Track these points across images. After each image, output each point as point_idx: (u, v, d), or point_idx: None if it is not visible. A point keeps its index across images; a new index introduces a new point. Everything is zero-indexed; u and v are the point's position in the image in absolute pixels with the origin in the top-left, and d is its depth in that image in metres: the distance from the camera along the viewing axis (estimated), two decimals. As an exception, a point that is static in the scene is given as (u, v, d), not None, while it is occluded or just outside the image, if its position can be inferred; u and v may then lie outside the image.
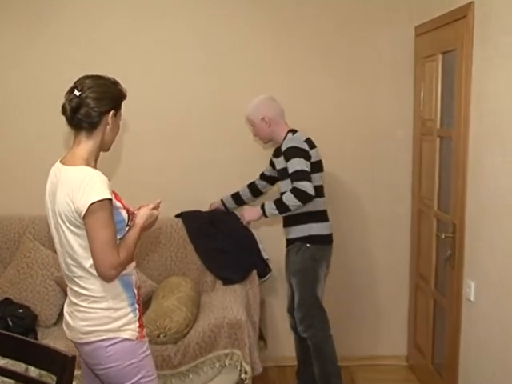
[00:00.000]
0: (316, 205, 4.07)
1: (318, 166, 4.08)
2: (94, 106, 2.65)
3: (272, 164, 4.39)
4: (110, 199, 2.59)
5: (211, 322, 3.97)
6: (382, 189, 4.85)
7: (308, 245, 4.11)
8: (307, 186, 3.86)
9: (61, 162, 2.74)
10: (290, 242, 4.23)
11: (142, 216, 2.83)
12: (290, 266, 4.26)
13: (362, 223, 4.89)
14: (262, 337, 4.59)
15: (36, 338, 4.08)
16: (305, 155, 3.96)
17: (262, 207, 4.05)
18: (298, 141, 4.01)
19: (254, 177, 4.54)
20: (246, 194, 4.56)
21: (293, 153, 3.96)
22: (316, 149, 4.09)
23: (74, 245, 2.66)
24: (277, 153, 4.21)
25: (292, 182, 3.92)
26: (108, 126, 2.72)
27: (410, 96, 4.71)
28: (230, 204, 4.59)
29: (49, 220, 2.79)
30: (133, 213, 2.82)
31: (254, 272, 4.53)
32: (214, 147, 4.76)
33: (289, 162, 3.96)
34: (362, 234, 4.91)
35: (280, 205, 3.95)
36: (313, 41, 4.69)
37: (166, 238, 4.59)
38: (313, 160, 4.02)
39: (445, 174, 4.19)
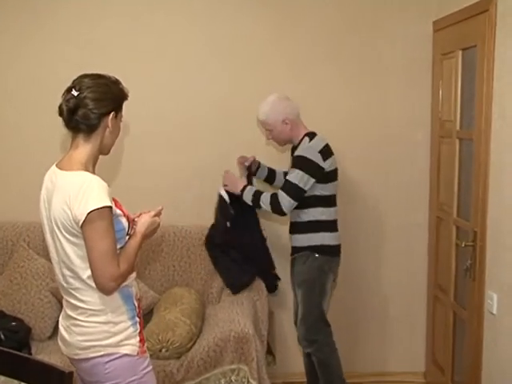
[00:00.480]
0: (328, 214, 4.08)
1: (332, 175, 4.08)
2: (92, 108, 2.62)
3: None
4: (110, 207, 2.56)
5: (216, 335, 3.95)
6: (398, 195, 4.82)
7: (317, 255, 4.09)
8: (286, 203, 3.95)
9: (57, 166, 2.71)
10: (296, 250, 4.20)
11: (143, 224, 2.80)
12: (295, 276, 4.24)
13: (376, 231, 4.86)
14: (270, 351, 4.56)
15: (30, 353, 4.05)
16: (312, 171, 3.94)
17: (243, 189, 4.12)
18: (312, 151, 3.97)
19: (261, 182, 4.51)
20: (276, 179, 4.51)
21: (300, 163, 3.96)
22: (332, 157, 4.05)
23: (71, 254, 2.63)
24: (293, 152, 4.17)
25: (280, 188, 3.99)
26: (108, 129, 2.69)
27: (427, 96, 4.69)
28: (262, 172, 4.49)
29: (43, 227, 2.76)
30: (133, 220, 2.79)
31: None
32: (219, 150, 4.75)
33: (291, 170, 3.99)
34: (377, 243, 4.88)
35: (256, 199, 4.06)
36: (322, 38, 4.68)
37: (168, 246, 4.58)
38: (327, 170, 4.01)
39: (465, 178, 4.16)
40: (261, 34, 4.67)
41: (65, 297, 2.77)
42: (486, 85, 3.66)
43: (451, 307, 4.37)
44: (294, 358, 4.84)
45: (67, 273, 2.68)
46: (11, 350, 2.63)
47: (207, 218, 4.61)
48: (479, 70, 3.75)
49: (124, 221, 2.70)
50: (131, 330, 2.74)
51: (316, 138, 4.04)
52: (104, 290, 2.62)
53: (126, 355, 2.71)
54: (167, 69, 4.69)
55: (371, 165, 4.77)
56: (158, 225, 2.90)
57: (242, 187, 4.13)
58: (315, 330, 4.13)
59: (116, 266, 2.57)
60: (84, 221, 2.52)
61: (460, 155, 4.22)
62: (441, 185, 4.56)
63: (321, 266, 4.09)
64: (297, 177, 3.92)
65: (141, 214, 2.87)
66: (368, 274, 4.90)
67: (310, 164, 3.94)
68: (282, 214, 4.00)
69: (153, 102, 4.67)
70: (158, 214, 2.89)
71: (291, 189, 3.94)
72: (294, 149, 4.18)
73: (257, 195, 4.05)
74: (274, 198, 3.96)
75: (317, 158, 3.95)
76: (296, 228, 4.18)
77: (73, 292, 2.70)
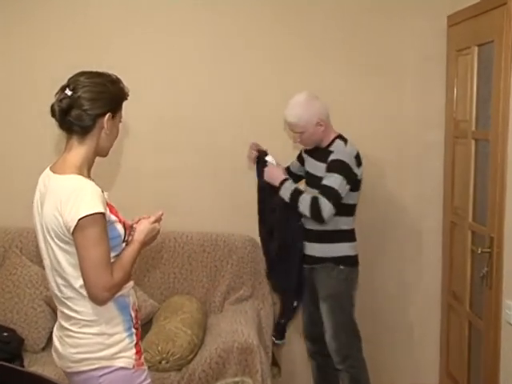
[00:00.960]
0: (349, 223, 4.05)
1: (359, 185, 4.03)
2: (87, 108, 2.59)
3: (301, 161, 4.30)
4: (103, 213, 2.53)
5: (219, 346, 3.95)
6: (410, 198, 4.81)
7: (342, 266, 4.02)
8: (327, 210, 3.82)
9: (51, 169, 2.70)
10: (314, 260, 4.09)
11: (142, 231, 2.78)
12: (318, 289, 4.14)
13: (387, 236, 4.85)
14: (275, 363, 4.55)
15: (22, 365, 4.05)
16: (349, 177, 3.88)
17: (283, 182, 3.98)
18: (349, 156, 3.91)
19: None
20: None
21: (339, 168, 3.87)
22: (362, 166, 4.01)
23: (63, 262, 2.61)
24: (319, 155, 4.05)
25: (319, 193, 3.86)
26: (104, 130, 2.66)
27: (441, 94, 4.68)
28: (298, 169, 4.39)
29: (36, 233, 2.75)
30: (130, 226, 2.76)
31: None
32: (221, 153, 4.76)
33: (329, 174, 3.87)
34: (388, 249, 4.86)
35: (295, 197, 3.91)
36: (331, 34, 4.67)
37: (168, 252, 4.58)
38: (359, 177, 3.98)
39: (481, 181, 4.14)
40: (269, 30, 4.68)
41: (58, 306, 2.75)
42: (503, 82, 3.64)
43: (466, 317, 4.35)
44: (300, 370, 4.84)
45: (60, 281, 2.66)
46: (2, 362, 2.62)
47: (209, 223, 4.62)
48: (496, 66, 3.73)
49: (120, 227, 2.67)
50: (127, 341, 2.72)
51: (349, 143, 3.99)
52: (97, 300, 2.60)
53: (122, 368, 2.69)
54: (170, 65, 4.71)
55: (381, 167, 4.76)
56: (158, 231, 2.87)
57: (281, 179, 3.99)
58: (349, 345, 4.09)
59: (109, 276, 2.55)
60: (75, 228, 2.50)
61: (476, 157, 4.20)
62: (455, 188, 4.54)
63: (347, 277, 4.04)
64: (337, 182, 3.83)
65: (140, 220, 2.84)
66: (377, 282, 4.88)
67: (348, 170, 3.87)
68: (321, 221, 3.85)
69: (153, 101, 4.68)
70: (157, 220, 2.86)
71: (332, 194, 3.82)
72: (319, 152, 4.05)
73: (296, 193, 3.91)
74: (315, 203, 3.81)
75: (353, 164, 3.90)
76: (315, 236, 4.05)
77: (66, 301, 2.68)
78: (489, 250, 3.83)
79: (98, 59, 4.40)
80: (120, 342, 2.69)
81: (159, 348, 3.82)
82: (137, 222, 2.83)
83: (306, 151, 4.21)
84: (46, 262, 2.72)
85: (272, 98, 4.62)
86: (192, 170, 4.77)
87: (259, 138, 4.54)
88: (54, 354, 2.83)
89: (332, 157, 3.92)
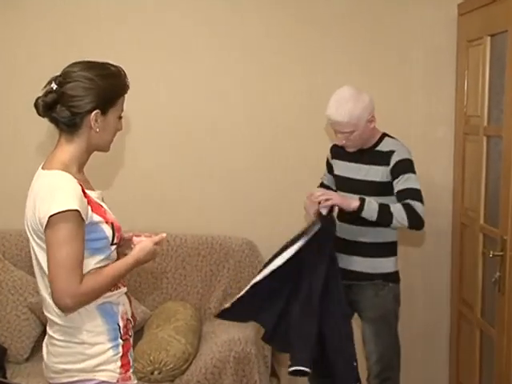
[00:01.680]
0: (395, 234, 3.96)
1: None
2: (71, 105, 2.56)
3: (331, 171, 4.10)
4: (77, 210, 2.48)
5: (215, 355, 3.96)
6: (418, 198, 4.78)
7: (391, 284, 3.93)
8: (422, 210, 3.70)
9: (42, 166, 2.69)
10: (362, 276, 3.93)
11: (142, 249, 2.71)
12: (361, 309, 4.01)
13: (393, 239, 4.82)
14: (274, 373, 4.57)
15: (5, 377, 4.04)
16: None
17: (362, 203, 3.67)
18: (410, 154, 3.84)
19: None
20: None
21: (410, 167, 3.79)
22: None
23: (43, 262, 2.59)
24: (362, 158, 3.89)
25: (405, 199, 3.71)
26: (92, 129, 2.62)
27: (451, 88, 4.68)
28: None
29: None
30: (119, 228, 2.72)
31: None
32: (220, 153, 4.80)
33: (405, 176, 3.76)
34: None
35: (385, 212, 3.67)
36: (337, 26, 4.69)
37: (161, 256, 4.57)
38: None
39: (493, 180, 4.15)
40: (269, 30, 4.71)
41: (44, 312, 2.72)
42: (517, 75, 3.65)
43: (478, 324, 4.35)
44: (300, 381, 4.82)
45: (47, 282, 2.60)
46: (-16, 374, 2.62)
47: (204, 225, 4.62)
48: (510, 58, 3.71)
49: (106, 228, 2.63)
50: (110, 353, 2.65)
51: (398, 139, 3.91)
52: (59, 306, 2.53)
53: (103, 382, 2.63)
54: (172, 60, 4.76)
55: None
56: (155, 256, 2.82)
57: (359, 201, 3.67)
58: (391, 367, 3.99)
59: (75, 281, 2.47)
60: (46, 225, 2.47)
61: (487, 154, 4.20)
62: (466, 187, 4.55)
63: (395, 295, 3.97)
64: (416, 182, 3.76)
65: (137, 236, 2.79)
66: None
67: (414, 166, 3.81)
68: (421, 226, 3.75)
69: (157, 97, 4.76)
70: (159, 243, 2.79)
71: (419, 195, 3.71)
72: (362, 154, 3.89)
73: (384, 208, 3.66)
74: (410, 210, 3.65)
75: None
76: (359, 249, 3.91)
77: (50, 304, 2.63)
78: (501, 253, 3.81)
79: (96, 48, 4.48)
80: (102, 354, 2.63)
81: (151, 358, 3.82)
82: (134, 236, 2.79)
83: (337, 157, 4.02)
84: (34, 262, 2.69)
85: (273, 98, 4.69)
86: (186, 169, 4.80)
87: (258, 139, 4.57)
88: (43, 364, 2.80)
89: (396, 157, 3.80)
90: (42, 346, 2.81)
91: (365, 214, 3.67)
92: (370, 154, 3.87)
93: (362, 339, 4.05)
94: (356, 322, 4.13)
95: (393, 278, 3.94)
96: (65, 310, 2.54)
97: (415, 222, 3.69)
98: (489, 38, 4.09)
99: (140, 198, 4.62)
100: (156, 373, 3.82)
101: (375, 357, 3.95)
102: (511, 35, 3.70)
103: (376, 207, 3.66)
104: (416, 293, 4.86)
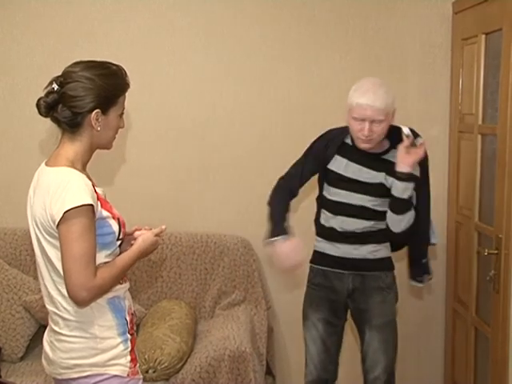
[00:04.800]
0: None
1: None
2: (71, 106, 2.60)
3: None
4: (91, 205, 2.53)
5: (209, 354, 3.96)
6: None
7: (394, 286, 3.93)
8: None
9: (45, 163, 2.72)
10: (364, 265, 3.82)
11: (144, 241, 2.79)
12: (371, 317, 3.86)
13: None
14: (269, 372, 4.59)
15: (-1, 375, 4.06)
16: None
17: (409, 177, 3.55)
18: None
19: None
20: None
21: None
22: None
23: (53, 258, 2.62)
24: (372, 163, 3.71)
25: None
26: (94, 128, 2.66)
27: (445, 86, 4.69)
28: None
29: (30, 229, 2.74)
30: (124, 224, 2.77)
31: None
32: (215, 150, 4.80)
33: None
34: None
35: (410, 203, 3.60)
36: (330, 22, 4.68)
37: (156, 254, 4.55)
38: None
39: (487, 178, 4.15)
40: (269, 30, 4.72)
41: (49, 308, 2.74)
42: (512, 73, 3.65)
43: (472, 323, 4.35)
44: (295, 379, 4.82)
45: (57, 278, 2.65)
46: (-23, 373, 2.61)
47: (199, 223, 4.62)
48: (505, 56, 3.72)
49: (114, 224, 2.69)
50: (121, 347, 2.71)
51: None
52: (75, 299, 2.57)
53: (116, 377, 2.68)
54: (174, 58, 4.76)
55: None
56: (157, 246, 2.89)
57: (409, 171, 3.55)
58: (392, 374, 3.89)
59: (90, 275, 2.53)
60: (60, 220, 2.50)
61: (482, 152, 4.20)
62: (460, 186, 4.55)
63: (396, 295, 3.96)
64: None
65: (139, 229, 2.87)
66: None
67: None
68: (403, 243, 3.89)
69: (158, 96, 4.77)
70: (159, 234, 2.87)
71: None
72: (376, 158, 3.72)
73: (411, 201, 3.61)
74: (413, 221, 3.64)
75: None
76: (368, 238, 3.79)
77: (59, 300, 2.67)
78: (496, 251, 3.82)
79: (95, 46, 4.47)
80: (114, 348, 2.68)
81: (146, 356, 3.82)
82: (135, 231, 2.86)
83: (343, 154, 3.77)
84: (39, 259, 2.71)
85: (270, 98, 4.70)
86: (181, 167, 4.80)
87: (254, 138, 4.58)
88: (43, 360, 2.82)
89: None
90: (36, 345, 2.81)
91: (404, 186, 3.53)
92: (380, 161, 3.70)
93: (361, 356, 3.91)
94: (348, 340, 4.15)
95: (392, 265, 3.92)
96: (81, 303, 2.59)
97: (406, 237, 3.75)
98: (483, 36, 4.10)
99: (134, 197, 4.63)
100: (151, 371, 3.82)
101: (383, 365, 3.82)
102: (506, 33, 3.70)
103: (409, 191, 3.55)
104: (410, 291, 4.84)
